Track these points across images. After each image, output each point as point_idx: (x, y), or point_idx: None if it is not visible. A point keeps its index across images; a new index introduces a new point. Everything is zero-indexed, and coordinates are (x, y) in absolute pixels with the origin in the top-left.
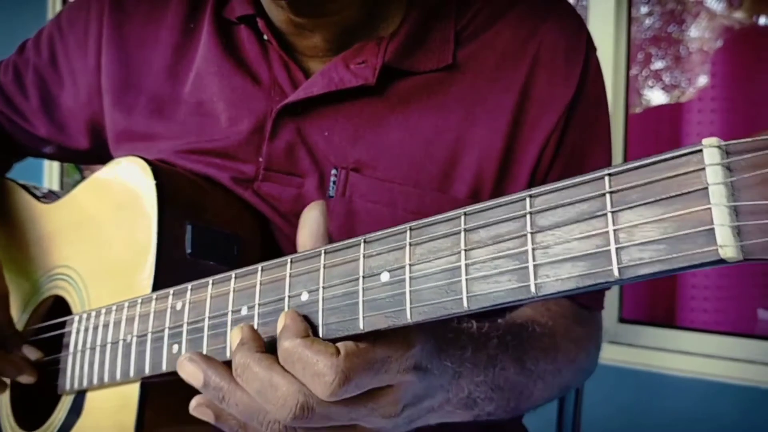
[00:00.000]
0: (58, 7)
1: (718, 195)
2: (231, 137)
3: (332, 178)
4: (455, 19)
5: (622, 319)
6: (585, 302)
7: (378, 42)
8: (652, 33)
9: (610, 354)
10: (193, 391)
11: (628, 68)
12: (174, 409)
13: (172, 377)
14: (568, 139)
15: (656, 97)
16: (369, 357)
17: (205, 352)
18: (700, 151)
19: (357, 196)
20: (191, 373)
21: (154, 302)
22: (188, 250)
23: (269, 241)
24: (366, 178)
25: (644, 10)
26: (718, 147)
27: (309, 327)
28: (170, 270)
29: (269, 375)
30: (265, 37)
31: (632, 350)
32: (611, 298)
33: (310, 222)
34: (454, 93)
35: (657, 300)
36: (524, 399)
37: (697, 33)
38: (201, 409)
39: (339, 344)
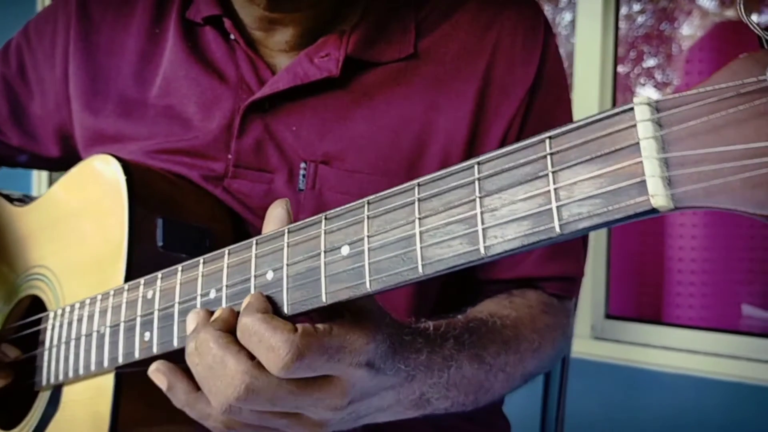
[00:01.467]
0: (48, 3)
1: (648, 148)
2: (200, 136)
3: (302, 172)
4: (415, 10)
5: (608, 315)
6: (555, 291)
7: (340, 35)
8: (644, 31)
9: (596, 350)
10: None
11: (615, 65)
12: (148, 396)
13: (146, 366)
14: (531, 122)
15: (648, 94)
16: (325, 340)
17: (175, 337)
18: (632, 109)
19: (326, 188)
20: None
21: (126, 293)
22: (159, 243)
23: (242, 235)
24: (335, 170)
25: (636, 7)
26: (648, 104)
27: (270, 306)
28: (142, 263)
29: (222, 352)
30: (232, 36)
31: (618, 346)
32: (597, 294)
33: (275, 219)
34: (417, 83)
35: (643, 296)
36: (484, 392)
37: (690, 31)
38: (157, 374)
39: (297, 325)
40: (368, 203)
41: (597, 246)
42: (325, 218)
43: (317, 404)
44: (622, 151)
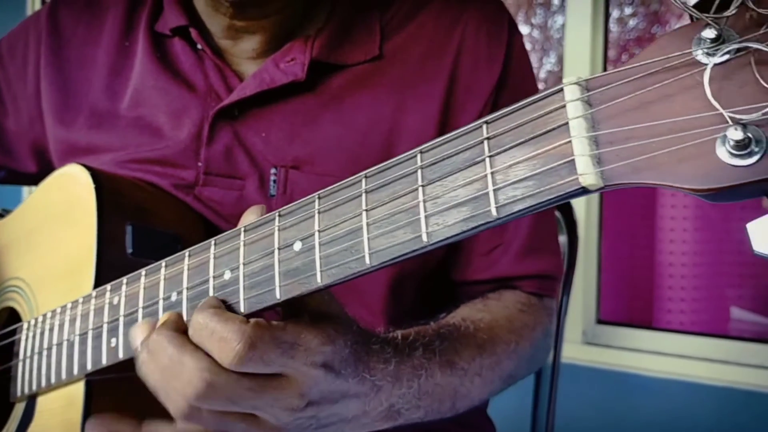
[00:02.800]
0: (37, 6)
1: (577, 128)
2: (170, 145)
3: (272, 178)
4: (380, 12)
5: (599, 321)
6: (532, 289)
7: (306, 39)
8: (635, 34)
9: (587, 355)
10: (134, 386)
11: (605, 68)
12: (117, 403)
13: (114, 373)
14: None
15: None
16: (277, 333)
17: None
18: (562, 89)
19: (298, 193)
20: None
21: (93, 300)
22: (129, 250)
23: None
24: (305, 174)
25: (628, 11)
26: (578, 84)
27: (223, 305)
28: (111, 270)
29: (179, 353)
30: (199, 46)
31: (609, 351)
32: (588, 300)
33: (247, 224)
34: (384, 84)
35: (634, 301)
36: (461, 398)
37: None
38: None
39: (251, 319)
40: (319, 198)
41: (588, 251)
42: (279, 215)
43: (274, 404)
44: (553, 131)
